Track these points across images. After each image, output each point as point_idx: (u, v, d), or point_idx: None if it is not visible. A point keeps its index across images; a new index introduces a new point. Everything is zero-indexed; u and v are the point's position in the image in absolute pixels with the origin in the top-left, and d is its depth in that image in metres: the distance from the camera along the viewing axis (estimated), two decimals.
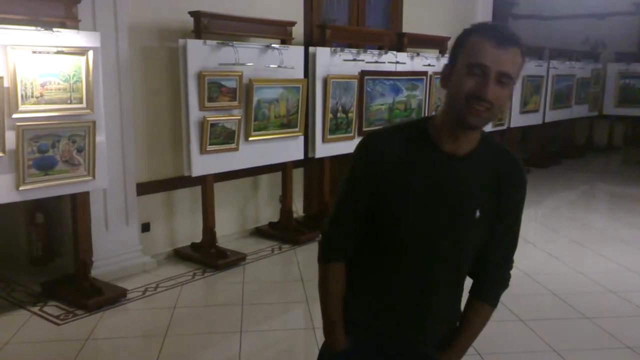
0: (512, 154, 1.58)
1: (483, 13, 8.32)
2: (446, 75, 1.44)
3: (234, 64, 4.41)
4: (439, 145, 1.46)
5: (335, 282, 1.59)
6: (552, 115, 9.25)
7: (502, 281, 1.63)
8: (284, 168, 5.25)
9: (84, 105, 3.58)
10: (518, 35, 1.41)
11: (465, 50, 1.39)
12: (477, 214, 1.48)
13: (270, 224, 5.46)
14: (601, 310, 3.74)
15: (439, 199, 1.46)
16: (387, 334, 1.58)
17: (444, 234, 1.48)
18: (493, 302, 1.63)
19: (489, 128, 7.74)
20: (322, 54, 5.10)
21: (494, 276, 1.61)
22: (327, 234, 1.62)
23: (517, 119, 8.34)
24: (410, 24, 6.86)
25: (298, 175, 5.70)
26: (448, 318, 1.62)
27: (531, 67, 8.40)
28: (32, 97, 3.34)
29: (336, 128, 5.36)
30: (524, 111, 8.45)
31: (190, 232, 4.85)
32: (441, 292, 1.54)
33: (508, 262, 1.62)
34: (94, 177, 3.72)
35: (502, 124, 8.01)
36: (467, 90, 1.36)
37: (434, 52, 6.69)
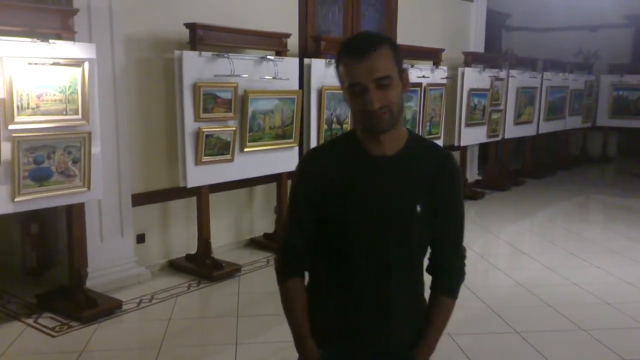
0: (441, 148, 1.69)
1: (476, 25, 8.40)
2: (345, 97, 1.54)
3: (229, 75, 4.42)
4: (369, 151, 1.56)
5: (295, 297, 1.64)
6: (546, 127, 9.31)
7: (457, 271, 1.67)
8: (279, 179, 5.25)
9: (79, 116, 3.58)
10: (376, 34, 1.51)
11: (342, 73, 1.50)
12: (418, 208, 1.54)
13: (265, 235, 5.45)
14: (596, 322, 3.74)
15: (379, 200, 1.53)
16: (355, 338, 1.61)
17: (391, 232, 1.54)
18: (452, 293, 1.67)
19: (484, 139, 7.79)
20: (316, 65, 5.13)
21: (447, 268, 1.65)
22: (280, 254, 1.68)
23: (511, 130, 8.38)
24: (405, 36, 6.90)
25: None
26: (412, 314, 1.64)
27: (525, 79, 8.46)
28: (28, 108, 3.35)
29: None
30: (518, 122, 8.50)
31: (185, 243, 4.84)
32: (399, 288, 1.58)
33: (458, 252, 1.66)
34: (89, 188, 3.71)
35: (497, 135, 8.05)
36: (358, 109, 1.48)
37: (428, 64, 6.73)
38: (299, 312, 1.63)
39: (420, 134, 6.52)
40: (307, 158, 1.64)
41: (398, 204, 1.53)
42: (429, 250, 1.65)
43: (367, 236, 1.54)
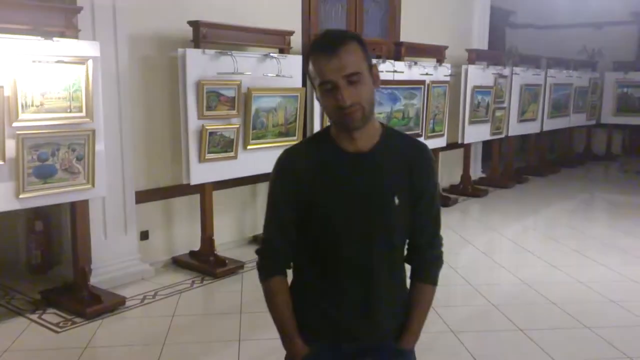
0: (416, 140, 1.71)
1: (480, 22, 8.37)
2: (316, 96, 1.56)
3: (232, 73, 4.43)
4: (344, 148, 1.58)
5: (279, 295, 1.66)
6: (550, 124, 9.28)
7: (436, 259, 1.70)
8: None
9: (83, 114, 3.59)
10: (343, 31, 1.55)
11: (312, 73, 1.52)
12: (396, 200, 1.57)
13: None
14: (601, 320, 3.73)
15: (357, 195, 1.56)
16: (340, 332, 1.63)
17: (371, 226, 1.56)
18: (432, 280, 1.70)
19: (487, 137, 7.77)
20: None
21: (426, 256, 1.69)
22: (260, 253, 1.70)
23: (515, 128, 8.36)
24: (408, 33, 6.90)
25: None
26: (395, 304, 1.66)
27: (529, 76, 8.44)
28: (32, 106, 3.36)
29: None
30: (522, 120, 8.47)
31: (188, 240, 4.85)
32: (382, 280, 1.61)
33: (436, 240, 1.70)
34: (93, 185, 3.72)
35: (500, 132, 8.04)
36: (331, 108, 1.51)
37: (432, 61, 6.72)
38: (284, 309, 1.65)
39: (423, 131, 6.52)
40: (283, 158, 1.64)
41: (376, 198, 1.56)
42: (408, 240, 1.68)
43: (347, 232, 1.56)
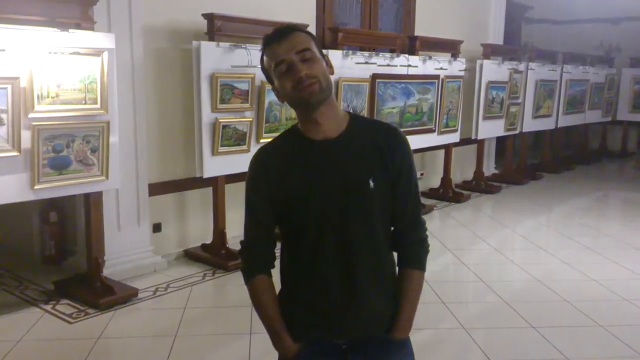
0: (386, 123, 1.70)
1: (496, 16, 8.30)
2: (275, 90, 1.60)
3: (246, 66, 4.42)
4: (311, 137, 1.58)
5: (263, 293, 1.65)
6: (565, 120, 9.19)
7: (420, 243, 1.67)
8: None
9: (98, 105, 3.61)
10: (293, 25, 1.60)
11: (267, 63, 1.57)
12: (371, 184, 1.55)
13: None
14: (615, 318, 3.70)
15: (330, 182, 1.55)
16: (328, 325, 1.60)
17: (349, 212, 1.55)
18: (418, 265, 1.67)
19: (501, 133, 7.71)
20: (334, 56, 5.10)
21: (410, 241, 1.66)
22: (242, 254, 1.70)
23: (530, 124, 8.29)
24: (423, 28, 6.85)
25: None
26: (383, 291, 1.62)
27: (544, 72, 8.35)
28: (48, 97, 3.38)
29: None
30: (536, 116, 8.40)
31: (200, 233, 4.87)
32: (365, 268, 1.58)
33: (418, 224, 1.67)
34: (107, 177, 3.74)
35: (514, 128, 7.97)
36: (289, 88, 1.52)
37: (446, 56, 6.67)
38: (270, 308, 1.64)
39: (436, 126, 6.48)
40: (254, 158, 1.65)
41: (350, 183, 1.55)
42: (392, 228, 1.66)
43: (326, 221, 1.55)
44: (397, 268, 1.69)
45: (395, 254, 1.68)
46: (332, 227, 1.55)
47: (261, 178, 1.60)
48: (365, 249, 1.58)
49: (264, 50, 1.57)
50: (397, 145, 1.60)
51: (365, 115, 5.43)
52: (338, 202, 1.54)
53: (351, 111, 1.68)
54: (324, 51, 1.64)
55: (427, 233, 1.70)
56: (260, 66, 1.63)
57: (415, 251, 1.66)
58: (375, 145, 1.58)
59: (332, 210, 1.55)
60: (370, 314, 1.60)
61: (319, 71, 1.51)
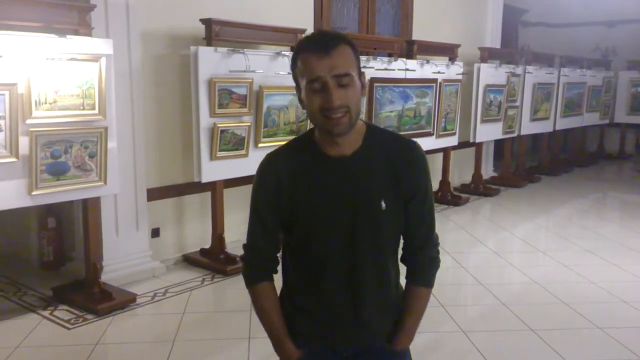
0: (402, 137, 1.64)
1: (493, 20, 8.32)
2: (300, 98, 1.50)
3: (244, 71, 4.43)
4: (326, 152, 1.53)
5: (266, 299, 1.63)
6: (563, 123, 9.21)
7: (431, 261, 1.64)
8: None
9: (96, 111, 3.61)
10: (337, 33, 1.50)
11: (300, 71, 1.46)
12: (383, 205, 1.51)
13: None
14: (613, 321, 3.70)
15: (341, 201, 1.51)
16: (331, 335, 1.60)
17: (357, 231, 1.51)
18: (426, 283, 1.65)
19: (499, 136, 7.73)
20: None
21: (421, 258, 1.63)
22: (245, 259, 1.66)
23: (528, 127, 8.31)
24: (420, 32, 6.87)
25: None
26: (385, 306, 1.62)
27: (542, 75, 8.38)
28: (46, 103, 3.38)
29: None
30: (534, 119, 8.41)
31: (199, 237, 4.86)
32: (371, 283, 1.56)
33: (431, 242, 1.64)
34: (105, 182, 3.74)
35: (512, 131, 7.99)
36: (317, 107, 1.43)
37: (444, 59, 6.69)
38: (273, 314, 1.62)
39: (435, 130, 6.49)
40: (265, 163, 1.60)
41: (361, 203, 1.51)
42: (402, 240, 1.64)
43: (333, 238, 1.53)
44: (400, 278, 1.68)
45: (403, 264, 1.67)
46: (338, 244, 1.53)
47: (272, 183, 1.56)
48: (372, 267, 1.56)
49: (300, 55, 1.46)
50: (413, 162, 1.56)
51: (364, 120, 5.43)
52: (347, 221, 1.51)
53: (366, 121, 1.61)
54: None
55: (439, 248, 1.67)
56: (290, 69, 1.53)
57: (425, 269, 1.64)
58: (390, 162, 1.53)
59: (340, 229, 1.52)
60: (371, 327, 1.60)
61: (352, 101, 1.44)
